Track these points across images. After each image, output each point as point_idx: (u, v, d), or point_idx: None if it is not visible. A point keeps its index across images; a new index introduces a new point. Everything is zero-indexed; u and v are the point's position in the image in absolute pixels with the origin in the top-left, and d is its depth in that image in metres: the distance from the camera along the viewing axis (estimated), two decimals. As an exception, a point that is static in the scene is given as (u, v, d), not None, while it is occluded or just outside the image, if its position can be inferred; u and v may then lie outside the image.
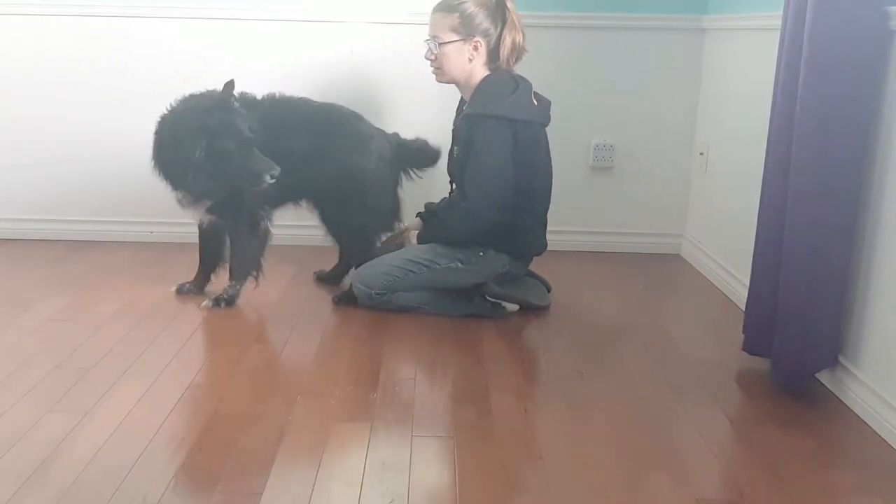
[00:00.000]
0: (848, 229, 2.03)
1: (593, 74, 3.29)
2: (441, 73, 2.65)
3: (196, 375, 2.17)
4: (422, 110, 3.26)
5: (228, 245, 2.73)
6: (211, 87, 2.53)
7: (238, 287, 2.70)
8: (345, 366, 2.25)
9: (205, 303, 2.67)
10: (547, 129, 2.66)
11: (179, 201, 2.59)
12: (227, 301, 2.67)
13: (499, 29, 2.58)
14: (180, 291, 2.78)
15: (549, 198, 2.72)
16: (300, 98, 2.76)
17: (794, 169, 2.05)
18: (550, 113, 2.66)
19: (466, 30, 2.56)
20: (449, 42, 2.58)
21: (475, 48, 2.58)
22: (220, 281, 2.77)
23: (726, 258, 3.00)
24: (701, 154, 3.27)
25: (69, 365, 2.21)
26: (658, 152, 3.37)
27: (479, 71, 2.61)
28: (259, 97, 2.69)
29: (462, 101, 2.75)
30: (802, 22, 2.01)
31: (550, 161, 2.70)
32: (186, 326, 2.50)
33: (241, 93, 2.68)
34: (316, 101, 2.77)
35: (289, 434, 1.86)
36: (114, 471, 1.69)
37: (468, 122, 2.56)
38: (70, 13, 3.22)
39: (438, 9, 2.61)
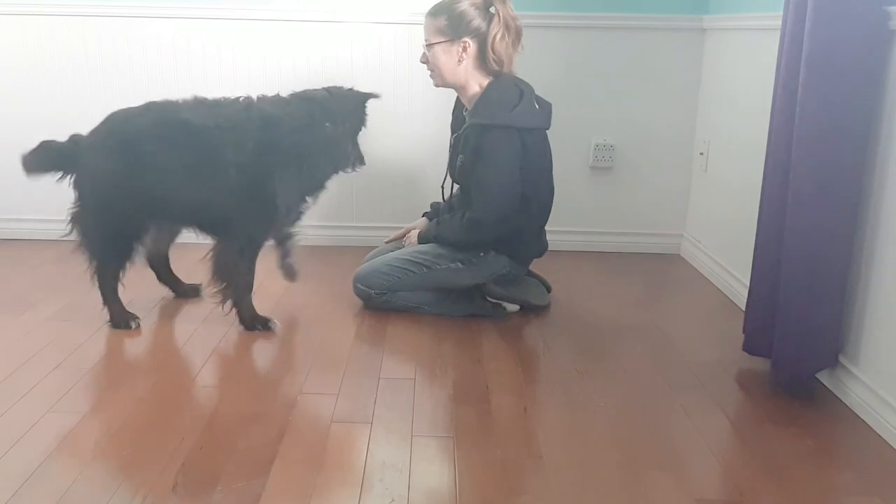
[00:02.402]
0: (848, 229, 2.03)
1: (593, 74, 3.29)
2: (435, 77, 2.61)
3: (196, 375, 2.17)
4: (422, 110, 3.27)
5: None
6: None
7: None
8: (345, 366, 2.25)
9: None
10: (547, 131, 2.66)
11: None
12: None
13: (487, 28, 2.53)
14: None
15: (552, 204, 2.70)
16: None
17: (794, 169, 2.05)
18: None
19: (454, 31, 2.51)
20: (437, 43, 2.54)
21: (464, 49, 2.52)
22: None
23: (726, 258, 3.00)
24: (701, 154, 3.27)
25: (69, 365, 2.21)
26: (658, 152, 3.37)
27: (475, 75, 2.56)
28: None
29: (459, 103, 2.73)
30: (802, 22, 2.01)
31: (552, 166, 2.69)
32: (186, 326, 2.50)
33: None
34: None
35: (289, 434, 1.86)
36: (114, 471, 1.69)
37: (476, 132, 2.51)
38: (73, 13, 3.22)
39: (429, 13, 2.57)
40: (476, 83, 2.57)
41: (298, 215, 2.60)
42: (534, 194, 2.58)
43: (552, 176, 2.69)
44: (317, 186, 2.55)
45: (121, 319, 2.50)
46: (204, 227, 2.50)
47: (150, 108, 2.43)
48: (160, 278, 2.76)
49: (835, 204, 2.01)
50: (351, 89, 2.51)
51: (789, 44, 2.08)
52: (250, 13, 3.22)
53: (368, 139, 3.11)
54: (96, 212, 2.43)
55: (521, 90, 2.54)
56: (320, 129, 2.42)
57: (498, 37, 2.51)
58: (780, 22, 2.17)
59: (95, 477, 1.67)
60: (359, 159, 2.54)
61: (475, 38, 2.52)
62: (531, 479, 1.71)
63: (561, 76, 3.26)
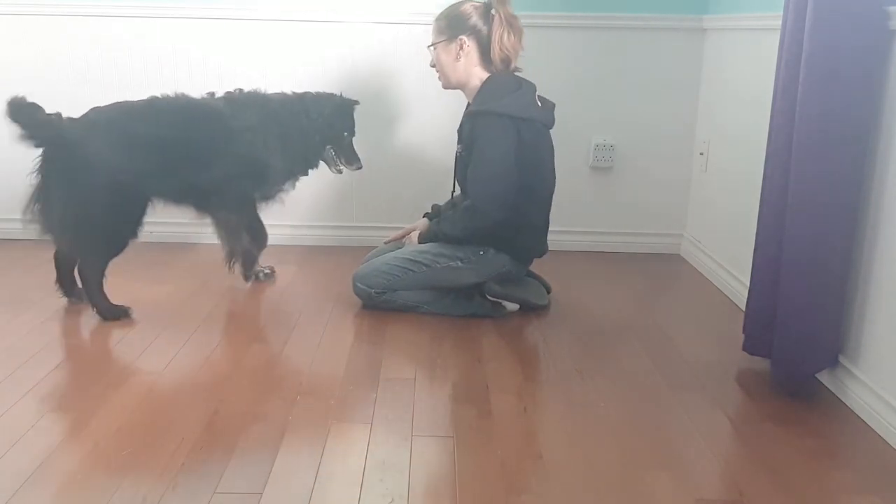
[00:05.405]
0: (848, 229, 2.03)
1: (593, 74, 3.29)
2: (441, 77, 2.69)
3: (196, 375, 2.17)
4: (422, 110, 3.27)
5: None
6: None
7: None
8: (345, 366, 2.25)
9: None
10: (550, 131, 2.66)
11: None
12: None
13: (488, 27, 2.58)
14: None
15: (551, 200, 2.71)
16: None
17: (794, 168, 2.05)
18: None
19: (451, 30, 2.59)
20: (437, 43, 2.62)
21: (461, 46, 2.58)
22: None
23: (726, 258, 3.00)
24: (701, 154, 3.27)
25: (69, 365, 2.21)
26: (658, 152, 3.37)
27: (477, 73, 2.61)
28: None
29: (468, 106, 2.74)
30: (802, 22, 2.01)
31: (554, 164, 2.69)
32: (186, 326, 2.50)
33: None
34: None
35: (289, 434, 1.86)
36: (114, 470, 1.69)
37: (472, 120, 2.58)
38: (74, 13, 3.22)
39: (434, 18, 2.65)
40: (477, 79, 2.62)
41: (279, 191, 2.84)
42: (530, 186, 2.59)
43: (553, 174, 2.70)
44: (290, 173, 2.82)
45: (115, 311, 2.53)
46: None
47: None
48: (60, 276, 2.64)
49: (835, 204, 2.01)
50: (339, 95, 2.83)
51: (789, 44, 2.08)
52: (250, 13, 3.22)
53: (368, 139, 3.12)
54: (100, 196, 2.44)
55: (521, 84, 2.58)
56: (296, 119, 2.73)
57: (505, 35, 2.56)
58: (780, 22, 2.17)
59: (95, 477, 1.67)
60: (349, 161, 2.86)
61: (472, 36, 2.58)
62: (531, 478, 1.71)
63: (561, 76, 3.26)
